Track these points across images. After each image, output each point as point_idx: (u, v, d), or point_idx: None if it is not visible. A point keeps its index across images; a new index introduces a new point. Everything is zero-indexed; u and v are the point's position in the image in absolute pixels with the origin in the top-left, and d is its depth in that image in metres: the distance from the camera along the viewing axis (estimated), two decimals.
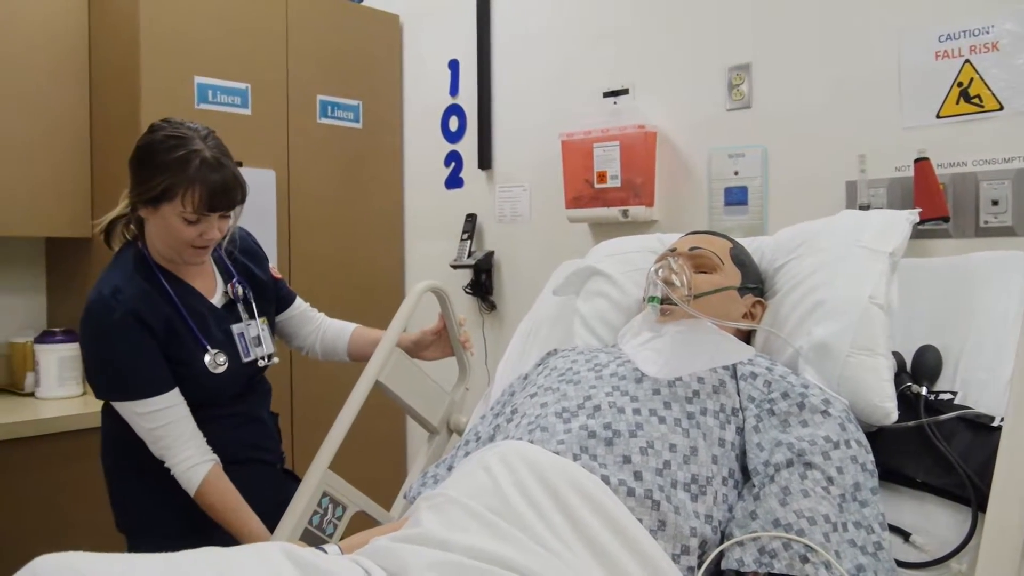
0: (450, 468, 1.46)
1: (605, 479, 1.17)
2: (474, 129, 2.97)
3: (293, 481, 1.79)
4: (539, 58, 2.80)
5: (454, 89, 3.06)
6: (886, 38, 2.06)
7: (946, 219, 1.93)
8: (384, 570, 1.06)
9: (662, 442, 1.23)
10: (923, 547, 1.24)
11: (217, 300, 1.77)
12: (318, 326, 2.01)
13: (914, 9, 2.01)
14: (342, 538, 1.55)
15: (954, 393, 1.40)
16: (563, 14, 2.73)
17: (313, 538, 1.60)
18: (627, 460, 1.20)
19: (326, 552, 1.16)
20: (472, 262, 2.89)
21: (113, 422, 1.71)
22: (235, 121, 2.67)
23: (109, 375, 1.65)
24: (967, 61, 1.94)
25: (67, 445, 2.39)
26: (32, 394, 2.66)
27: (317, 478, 1.62)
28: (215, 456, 1.67)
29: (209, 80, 2.61)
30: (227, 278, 1.80)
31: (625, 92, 2.55)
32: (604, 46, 2.62)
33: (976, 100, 1.93)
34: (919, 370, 1.45)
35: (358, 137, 3.07)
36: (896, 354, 1.46)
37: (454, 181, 3.08)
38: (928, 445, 1.31)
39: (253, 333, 1.79)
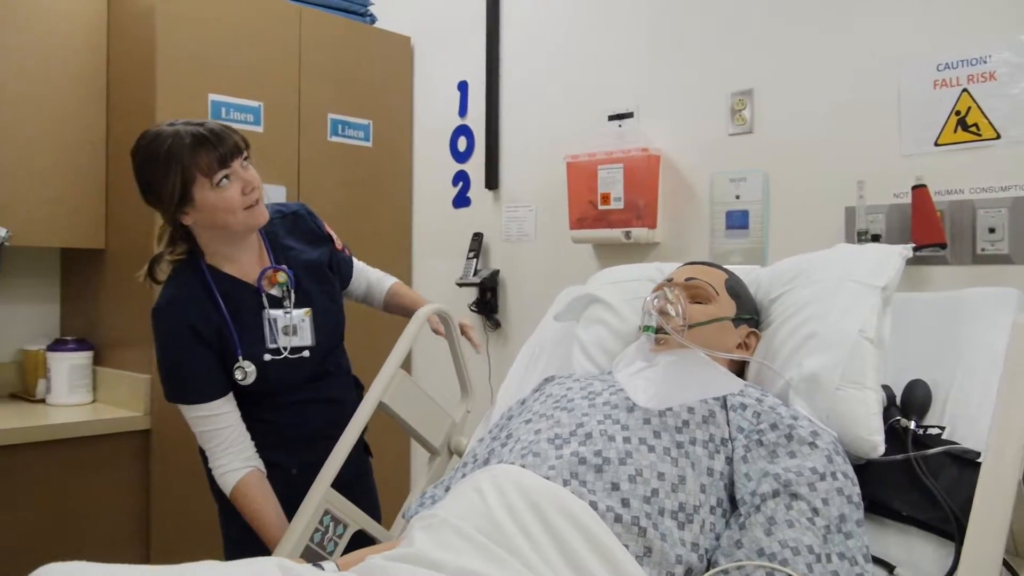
0: (447, 489, 1.48)
1: (593, 505, 1.19)
2: (482, 149, 3.02)
3: (368, 454, 1.97)
4: (546, 81, 2.85)
5: (463, 110, 3.11)
6: (886, 66, 2.09)
7: (943, 246, 1.95)
8: None
9: (651, 470, 1.26)
10: None
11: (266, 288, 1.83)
12: (365, 280, 2.12)
13: (914, 38, 2.05)
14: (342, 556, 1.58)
15: (942, 428, 1.41)
16: (571, 38, 2.78)
17: (313, 555, 1.64)
18: (616, 487, 1.23)
19: (323, 569, 1.20)
20: (478, 280, 2.93)
21: None
22: (248, 138, 2.71)
23: (167, 379, 1.76)
24: (965, 90, 1.97)
25: (76, 451, 2.43)
26: (43, 400, 2.71)
27: (319, 496, 1.66)
28: (253, 464, 1.75)
29: (223, 98, 2.67)
30: (271, 263, 1.84)
31: (630, 115, 2.59)
32: (610, 70, 2.66)
33: (974, 129, 1.96)
34: (908, 404, 1.46)
35: (368, 155, 3.12)
36: (886, 387, 1.48)
37: (462, 200, 3.12)
38: (915, 479, 1.32)
39: (285, 322, 1.81)
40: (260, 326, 1.78)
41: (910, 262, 2.00)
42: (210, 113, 2.63)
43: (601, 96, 2.67)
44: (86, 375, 2.71)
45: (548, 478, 1.24)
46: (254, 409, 1.81)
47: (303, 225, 1.94)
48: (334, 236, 1.99)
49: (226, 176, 1.65)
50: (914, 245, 1.71)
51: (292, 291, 1.83)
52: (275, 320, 1.79)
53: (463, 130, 3.11)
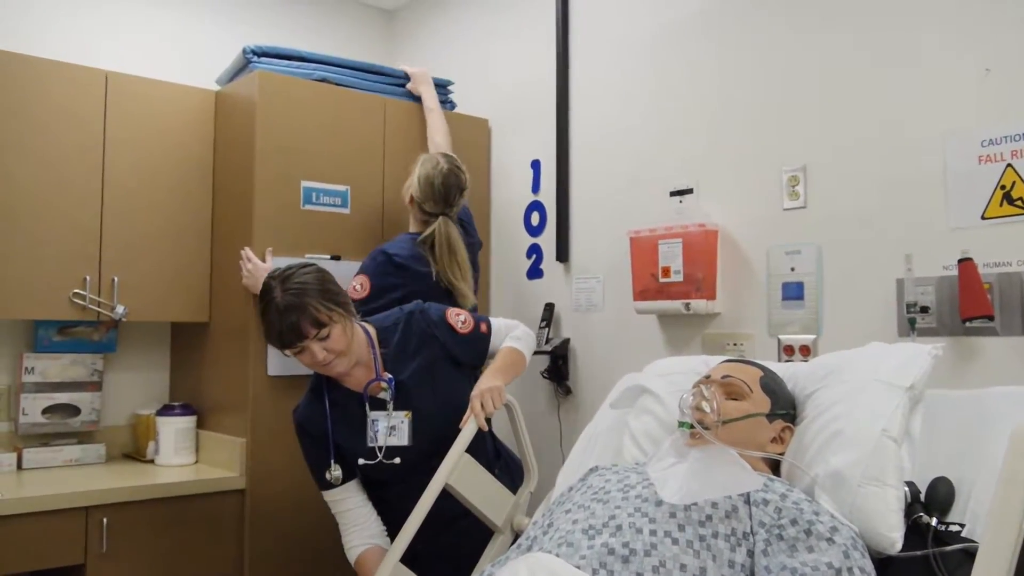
0: None
1: None
2: (553, 224, 3.18)
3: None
4: (612, 159, 3.00)
5: (536, 187, 3.29)
6: (932, 142, 2.16)
7: (991, 317, 1.98)
8: None
9: (673, 561, 1.36)
10: None
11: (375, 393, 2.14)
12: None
13: (958, 115, 2.11)
14: None
15: (962, 525, 1.45)
16: (634, 120, 2.93)
17: None
18: None
19: None
20: (549, 348, 3.07)
21: None
22: (335, 219, 2.96)
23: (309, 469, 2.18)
24: (1009, 165, 2.02)
25: (180, 508, 2.65)
26: (152, 461, 2.97)
27: (389, 570, 1.84)
28: (374, 542, 2.09)
29: (313, 184, 2.92)
30: (376, 374, 2.12)
31: (689, 191, 2.71)
32: (672, 149, 2.80)
33: (1019, 202, 2.00)
34: (931, 501, 1.51)
35: None
36: (910, 484, 1.54)
37: (535, 272, 3.28)
38: (933, 575, 1.38)
39: (386, 423, 2.10)
40: (365, 429, 2.10)
41: (961, 333, 2.06)
42: (301, 198, 2.88)
43: (664, 173, 2.81)
44: (190, 438, 2.96)
45: (579, 567, 1.36)
46: (379, 493, 2.16)
47: (416, 327, 2.19)
48: (455, 326, 2.21)
49: (299, 350, 1.99)
50: (943, 345, 1.75)
51: (392, 397, 2.11)
52: (375, 421, 2.11)
53: (536, 206, 3.29)
